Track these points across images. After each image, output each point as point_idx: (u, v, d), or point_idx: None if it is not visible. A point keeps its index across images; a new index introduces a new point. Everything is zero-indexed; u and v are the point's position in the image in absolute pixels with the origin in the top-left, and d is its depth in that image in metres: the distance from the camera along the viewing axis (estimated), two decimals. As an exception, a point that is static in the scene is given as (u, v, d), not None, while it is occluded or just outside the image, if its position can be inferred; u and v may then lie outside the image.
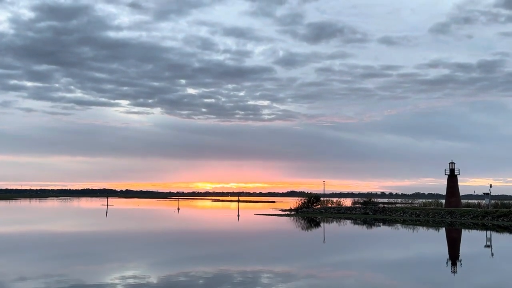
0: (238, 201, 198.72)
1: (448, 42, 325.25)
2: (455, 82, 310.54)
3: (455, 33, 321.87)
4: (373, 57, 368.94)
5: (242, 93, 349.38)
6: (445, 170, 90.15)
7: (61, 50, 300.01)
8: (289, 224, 68.10)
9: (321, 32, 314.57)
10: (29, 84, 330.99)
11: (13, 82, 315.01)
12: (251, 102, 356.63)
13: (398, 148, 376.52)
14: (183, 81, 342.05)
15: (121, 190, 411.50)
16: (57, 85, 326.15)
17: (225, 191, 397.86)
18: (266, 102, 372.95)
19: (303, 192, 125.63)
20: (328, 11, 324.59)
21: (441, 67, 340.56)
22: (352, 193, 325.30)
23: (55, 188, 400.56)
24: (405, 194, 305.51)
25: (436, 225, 66.04)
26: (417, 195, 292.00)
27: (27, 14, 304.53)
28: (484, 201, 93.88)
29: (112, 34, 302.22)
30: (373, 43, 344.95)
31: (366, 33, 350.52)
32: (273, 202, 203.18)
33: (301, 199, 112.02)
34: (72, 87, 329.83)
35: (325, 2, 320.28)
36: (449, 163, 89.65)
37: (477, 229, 59.00)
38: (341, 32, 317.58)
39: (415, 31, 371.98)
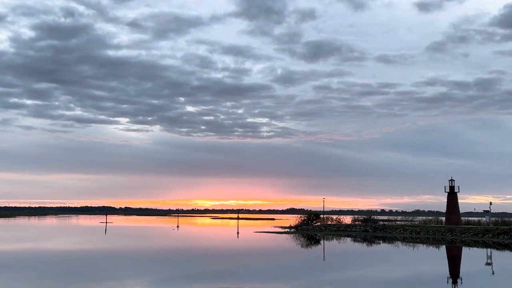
0: (238, 218, 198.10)
1: (445, 60, 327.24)
2: (452, 100, 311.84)
3: (452, 52, 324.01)
4: (371, 75, 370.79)
5: (241, 111, 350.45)
6: (444, 188, 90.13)
7: (61, 69, 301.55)
8: (288, 241, 67.84)
9: (318, 51, 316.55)
10: (29, 102, 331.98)
11: (13, 100, 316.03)
12: (250, 120, 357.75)
13: (397, 165, 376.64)
14: (182, 99, 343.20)
15: (120, 208, 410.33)
16: (56, 103, 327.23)
17: (224, 209, 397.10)
18: (265, 120, 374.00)
19: (303, 209, 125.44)
20: (325, 30, 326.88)
21: (438, 85, 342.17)
22: (352, 210, 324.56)
23: (54, 205, 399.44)
24: (405, 212, 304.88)
25: (436, 242, 65.81)
26: (417, 213, 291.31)
27: (28, 33, 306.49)
28: (484, 218, 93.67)
29: (111, 52, 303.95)
30: (371, 61, 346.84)
31: (364, 51, 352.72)
32: (273, 219, 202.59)
33: (300, 216, 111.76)
34: (72, 105, 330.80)
35: (322, 21, 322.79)
36: (449, 180, 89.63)
37: (477, 247, 58.78)
38: (338, 50, 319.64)
39: (412, 50, 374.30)
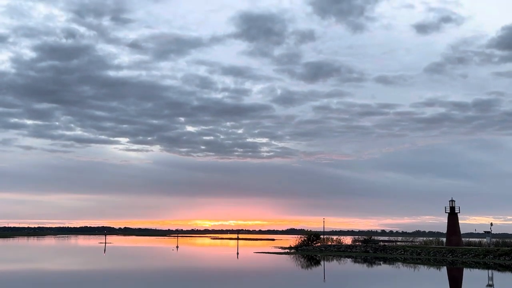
0: (238, 238, 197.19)
1: (443, 81, 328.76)
2: (451, 121, 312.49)
3: (450, 73, 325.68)
4: (370, 95, 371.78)
5: (240, 131, 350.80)
6: (445, 208, 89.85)
7: (62, 89, 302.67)
8: (289, 262, 67.46)
9: (318, 71, 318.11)
10: (29, 122, 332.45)
11: (14, 120, 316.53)
12: (249, 140, 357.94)
13: (397, 185, 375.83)
14: (182, 119, 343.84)
15: (120, 228, 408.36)
16: (57, 123, 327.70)
17: (224, 229, 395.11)
18: (264, 140, 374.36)
19: (303, 229, 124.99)
20: (324, 51, 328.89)
21: (437, 105, 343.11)
22: (352, 230, 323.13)
23: (53, 226, 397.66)
24: (406, 232, 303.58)
25: (437, 264, 65.43)
26: (418, 233, 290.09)
27: (29, 54, 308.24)
28: (485, 239, 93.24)
29: (112, 73, 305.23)
30: (370, 82, 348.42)
31: (363, 72, 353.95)
32: (273, 239, 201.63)
33: (300, 237, 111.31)
34: (72, 125, 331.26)
35: (321, 43, 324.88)
36: (449, 201, 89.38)
37: (478, 268, 58.43)
38: (337, 71, 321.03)
39: (411, 71, 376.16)
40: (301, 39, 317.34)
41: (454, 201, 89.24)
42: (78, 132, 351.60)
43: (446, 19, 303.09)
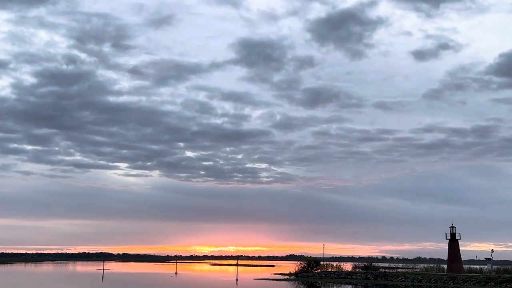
0: (237, 264, 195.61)
1: (442, 107, 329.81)
2: (450, 147, 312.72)
3: (449, 99, 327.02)
4: (369, 121, 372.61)
5: (240, 156, 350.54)
6: (445, 235, 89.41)
7: (62, 115, 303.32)
8: (288, 289, 66.87)
9: (317, 97, 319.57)
10: (28, 147, 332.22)
11: (13, 145, 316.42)
12: (249, 165, 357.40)
13: (397, 211, 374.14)
14: (181, 144, 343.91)
15: (118, 254, 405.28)
16: (56, 148, 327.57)
17: (223, 255, 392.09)
18: (264, 165, 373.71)
19: (303, 255, 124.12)
20: (323, 77, 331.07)
21: (436, 131, 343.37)
22: (352, 257, 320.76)
23: (51, 252, 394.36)
24: (406, 259, 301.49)
25: (438, 290, 64.83)
26: (418, 260, 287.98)
27: (29, 80, 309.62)
28: (486, 266, 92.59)
29: (112, 98, 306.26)
30: (369, 108, 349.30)
31: (362, 98, 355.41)
32: (273, 266, 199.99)
33: (300, 263, 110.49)
34: (72, 150, 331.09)
35: (320, 69, 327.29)
36: (450, 227, 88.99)
37: (480, 295, 57.87)
38: (336, 97, 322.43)
39: (409, 97, 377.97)
40: (300, 65, 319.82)
41: (455, 227, 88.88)
42: (78, 157, 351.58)
43: (444, 46, 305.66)
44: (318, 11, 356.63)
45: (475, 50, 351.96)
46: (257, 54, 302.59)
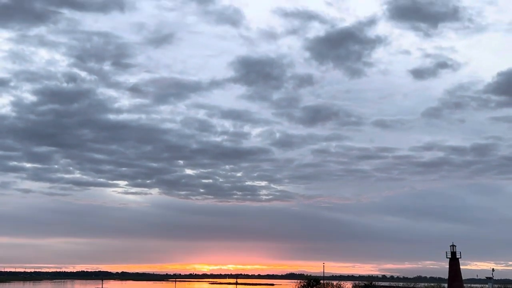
0: (236, 283, 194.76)
1: (441, 126, 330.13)
2: (450, 165, 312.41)
3: (448, 117, 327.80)
4: (368, 139, 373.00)
5: (239, 174, 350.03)
6: (446, 253, 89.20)
7: (62, 132, 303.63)
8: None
9: (316, 115, 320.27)
10: (28, 165, 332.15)
11: (13, 163, 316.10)
12: (248, 183, 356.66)
13: (397, 229, 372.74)
14: (181, 162, 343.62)
15: (117, 273, 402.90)
16: (56, 166, 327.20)
17: (223, 273, 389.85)
18: (263, 183, 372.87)
19: (303, 274, 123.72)
20: (323, 95, 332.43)
21: (435, 149, 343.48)
22: (352, 275, 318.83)
23: (50, 270, 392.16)
24: (407, 278, 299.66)
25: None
26: (419, 279, 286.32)
27: (30, 98, 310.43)
28: (487, 285, 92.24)
29: (112, 116, 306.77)
30: (368, 126, 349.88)
31: (361, 116, 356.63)
32: (272, 285, 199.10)
33: (300, 282, 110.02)
34: (71, 168, 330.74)
35: (319, 87, 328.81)
36: (450, 246, 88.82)
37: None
38: (336, 115, 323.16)
39: (408, 115, 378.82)
40: (299, 84, 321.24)
41: (455, 246, 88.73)
42: (77, 175, 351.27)
43: (443, 65, 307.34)
44: (317, 30, 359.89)
45: (473, 69, 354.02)
46: (257, 72, 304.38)
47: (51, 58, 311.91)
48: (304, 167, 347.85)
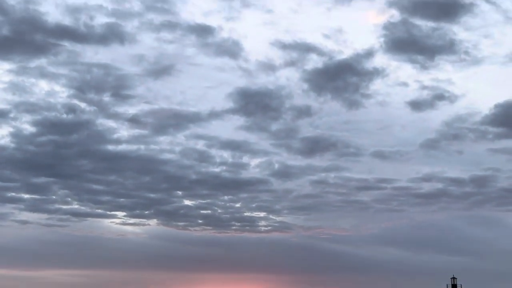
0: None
1: (440, 157, 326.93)
2: (449, 196, 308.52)
3: (446, 149, 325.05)
4: (367, 170, 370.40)
5: (238, 205, 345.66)
6: (447, 286, 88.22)
7: (60, 163, 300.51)
8: None
9: (315, 146, 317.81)
10: (26, 196, 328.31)
11: (11, 194, 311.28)
12: (247, 214, 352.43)
13: (397, 261, 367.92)
14: (179, 193, 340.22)
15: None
16: (54, 197, 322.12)
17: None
18: (262, 214, 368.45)
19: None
20: (321, 126, 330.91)
21: (434, 181, 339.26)
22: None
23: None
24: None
25: None
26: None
27: (29, 129, 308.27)
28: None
29: (111, 147, 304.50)
30: (366, 157, 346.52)
31: (359, 147, 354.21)
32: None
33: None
34: (69, 199, 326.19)
35: (318, 118, 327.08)
36: (451, 278, 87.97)
37: None
38: (334, 146, 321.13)
39: (407, 146, 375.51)
40: (298, 115, 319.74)
41: (456, 278, 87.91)
42: (75, 206, 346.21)
43: (440, 97, 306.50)
44: (315, 62, 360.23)
45: (470, 100, 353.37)
46: (255, 104, 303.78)
47: (51, 89, 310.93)
48: (303, 198, 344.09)
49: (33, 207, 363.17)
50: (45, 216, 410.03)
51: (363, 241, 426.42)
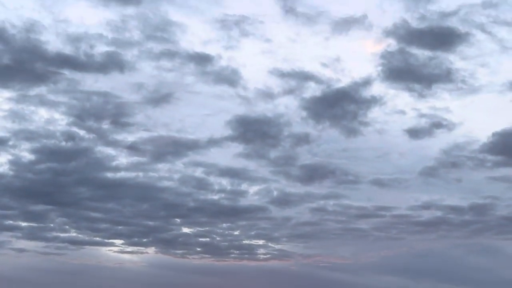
0: None
1: (438, 185, 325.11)
2: (448, 224, 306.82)
3: (444, 177, 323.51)
4: (366, 198, 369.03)
5: (237, 232, 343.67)
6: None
7: (59, 191, 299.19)
8: None
9: (313, 174, 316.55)
10: (24, 224, 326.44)
11: (8, 222, 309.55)
12: (246, 241, 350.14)
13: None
14: (178, 220, 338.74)
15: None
16: (51, 225, 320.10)
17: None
18: (261, 242, 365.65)
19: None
20: (320, 153, 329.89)
21: (433, 209, 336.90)
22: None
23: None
24: None
25: None
26: None
27: (28, 157, 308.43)
28: None
29: (109, 175, 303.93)
30: (365, 184, 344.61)
31: (358, 175, 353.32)
32: None
33: None
34: (67, 226, 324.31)
35: (316, 146, 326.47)
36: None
37: None
38: (333, 173, 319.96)
39: (405, 174, 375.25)
40: (296, 142, 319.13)
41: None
42: (73, 234, 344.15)
43: (438, 125, 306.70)
44: (313, 90, 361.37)
45: (468, 129, 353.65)
46: (254, 131, 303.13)
47: (51, 117, 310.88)
48: (302, 225, 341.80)
49: (31, 235, 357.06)
50: (42, 244, 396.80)
51: (363, 270, 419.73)
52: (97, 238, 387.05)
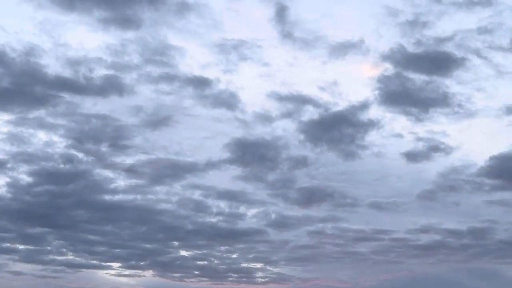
0: None
1: (437, 208, 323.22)
2: (447, 248, 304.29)
3: (443, 200, 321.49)
4: (364, 221, 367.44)
5: (235, 255, 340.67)
6: None
7: (56, 213, 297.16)
8: None
9: (311, 197, 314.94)
10: (21, 247, 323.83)
11: (6, 245, 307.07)
12: (244, 265, 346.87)
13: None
14: (176, 243, 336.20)
15: None
16: (49, 247, 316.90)
17: None
18: (259, 265, 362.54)
19: None
20: (317, 177, 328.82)
21: (432, 232, 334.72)
22: None
23: None
24: None
25: None
26: None
27: (26, 179, 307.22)
28: None
29: (107, 197, 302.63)
30: (363, 207, 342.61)
31: (356, 198, 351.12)
32: None
33: None
34: (64, 249, 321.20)
35: (314, 169, 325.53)
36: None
37: None
38: (331, 196, 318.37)
39: (403, 197, 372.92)
40: (294, 165, 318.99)
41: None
42: (70, 256, 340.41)
43: (435, 149, 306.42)
44: (311, 113, 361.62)
45: (465, 152, 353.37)
46: (252, 154, 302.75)
47: (49, 140, 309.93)
48: (300, 248, 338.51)
49: (28, 257, 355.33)
50: (39, 267, 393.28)
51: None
52: (94, 261, 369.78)
